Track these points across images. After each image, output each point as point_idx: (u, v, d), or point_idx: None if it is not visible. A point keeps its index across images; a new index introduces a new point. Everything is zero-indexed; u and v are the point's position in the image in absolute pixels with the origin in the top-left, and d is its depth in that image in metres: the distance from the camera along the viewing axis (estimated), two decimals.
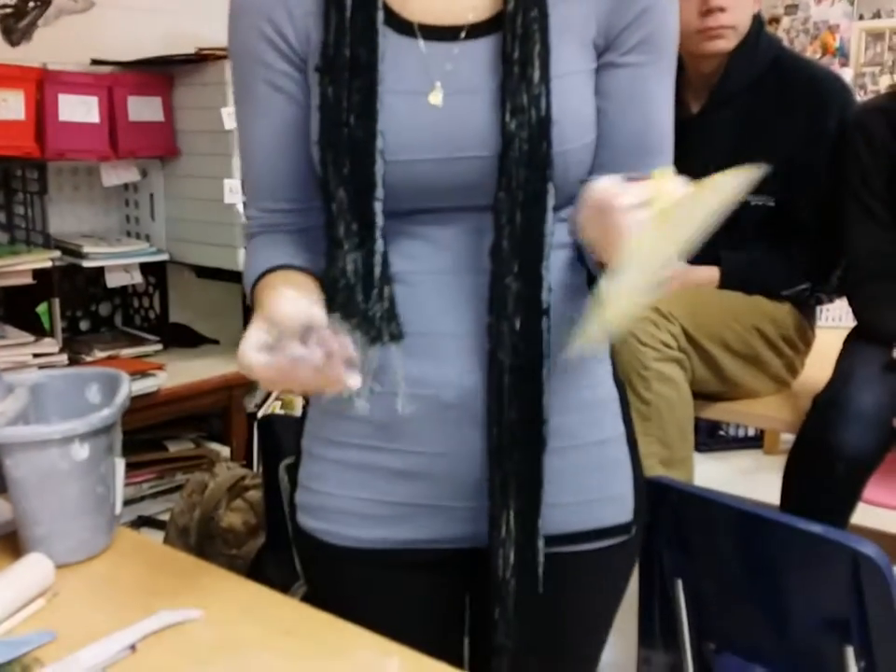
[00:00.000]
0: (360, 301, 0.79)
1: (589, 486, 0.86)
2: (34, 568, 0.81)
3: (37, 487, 0.84)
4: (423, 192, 0.79)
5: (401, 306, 0.80)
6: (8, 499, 0.87)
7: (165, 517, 1.94)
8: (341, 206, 0.79)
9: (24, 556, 0.83)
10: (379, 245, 0.79)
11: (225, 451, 2.18)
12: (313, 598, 0.89)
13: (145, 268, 2.13)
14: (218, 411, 2.18)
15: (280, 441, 1.45)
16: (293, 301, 0.70)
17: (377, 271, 0.79)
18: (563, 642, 0.88)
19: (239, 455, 2.16)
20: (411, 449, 0.82)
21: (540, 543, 0.81)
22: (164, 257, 2.13)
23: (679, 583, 1.23)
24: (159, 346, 2.16)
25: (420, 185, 0.79)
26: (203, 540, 1.64)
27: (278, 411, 2.29)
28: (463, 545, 0.85)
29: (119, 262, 2.06)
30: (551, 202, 0.78)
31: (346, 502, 0.85)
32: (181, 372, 2.06)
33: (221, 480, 1.79)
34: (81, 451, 0.84)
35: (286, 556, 1.35)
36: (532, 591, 0.81)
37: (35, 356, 1.96)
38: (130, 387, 0.93)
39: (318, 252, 0.82)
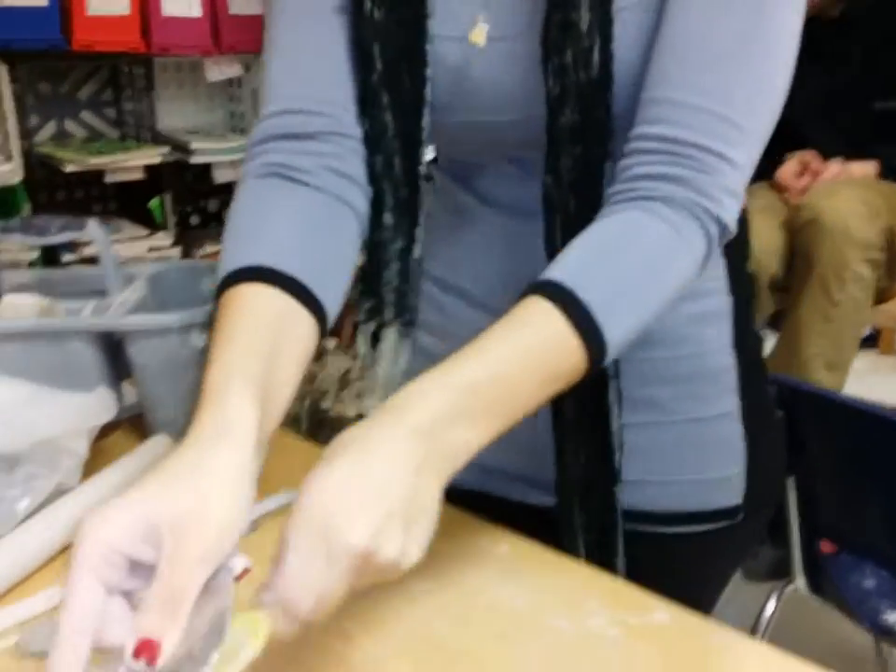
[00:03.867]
0: (384, 283, 0.75)
1: (682, 465, 0.79)
2: (158, 448, 0.85)
3: (159, 373, 0.87)
4: (465, 146, 0.75)
5: (449, 264, 0.76)
6: (133, 384, 0.91)
7: None
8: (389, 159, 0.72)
9: (150, 438, 0.87)
10: (421, 217, 0.74)
11: (331, 343, 2.23)
12: None
13: None
14: None
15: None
16: (230, 505, 0.49)
17: (416, 250, 0.75)
18: None
19: (346, 347, 2.20)
20: None
21: (618, 519, 0.76)
22: None
23: (791, 480, 1.21)
24: None
25: (462, 139, 0.74)
26: (313, 428, 1.71)
27: None
28: (539, 503, 0.82)
29: (225, 158, 2.09)
30: (608, 172, 0.68)
31: None
32: None
33: (332, 370, 1.85)
34: (200, 339, 0.86)
35: None
36: (610, 567, 0.76)
37: (150, 249, 2.03)
38: None
39: (317, 234, 0.69)
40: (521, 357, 0.59)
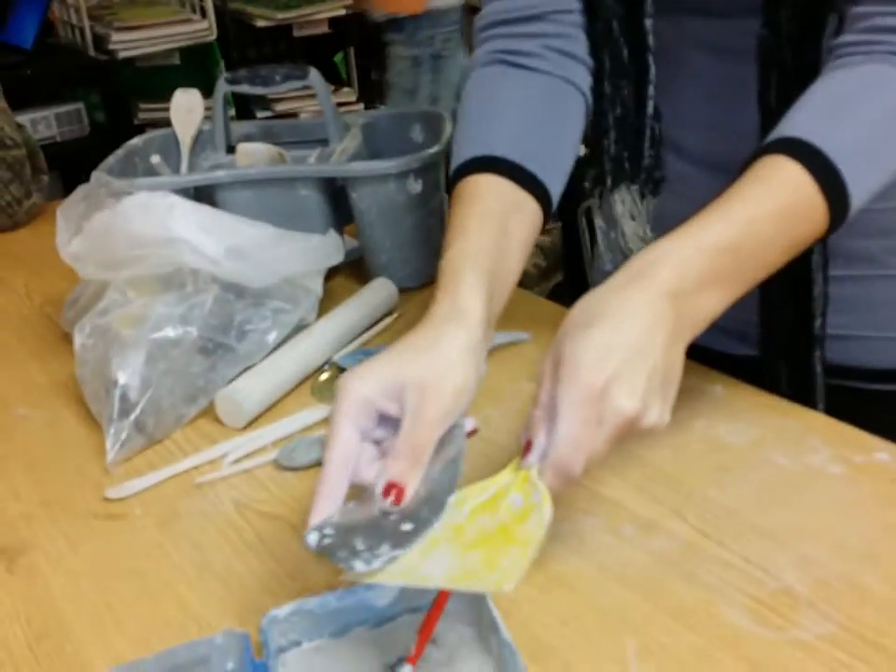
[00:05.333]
0: (624, 147, 0.74)
1: (890, 321, 0.77)
2: (381, 291, 0.91)
3: (378, 218, 0.92)
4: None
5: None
6: (354, 231, 0.97)
7: None
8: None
9: (372, 281, 0.92)
10: (651, 74, 0.73)
11: None
12: None
13: None
14: None
15: (576, 185, 1.46)
16: (457, 381, 0.54)
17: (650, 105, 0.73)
18: None
19: None
20: None
21: (818, 367, 0.76)
22: None
23: None
24: None
25: None
26: None
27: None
28: (734, 351, 0.82)
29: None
30: (831, 24, 0.65)
31: None
32: None
33: None
34: (415, 185, 0.90)
35: (580, 294, 1.40)
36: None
37: (336, 105, 2.07)
38: (452, 127, 0.96)
39: (543, 119, 0.71)
40: (767, 219, 0.58)
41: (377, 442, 0.55)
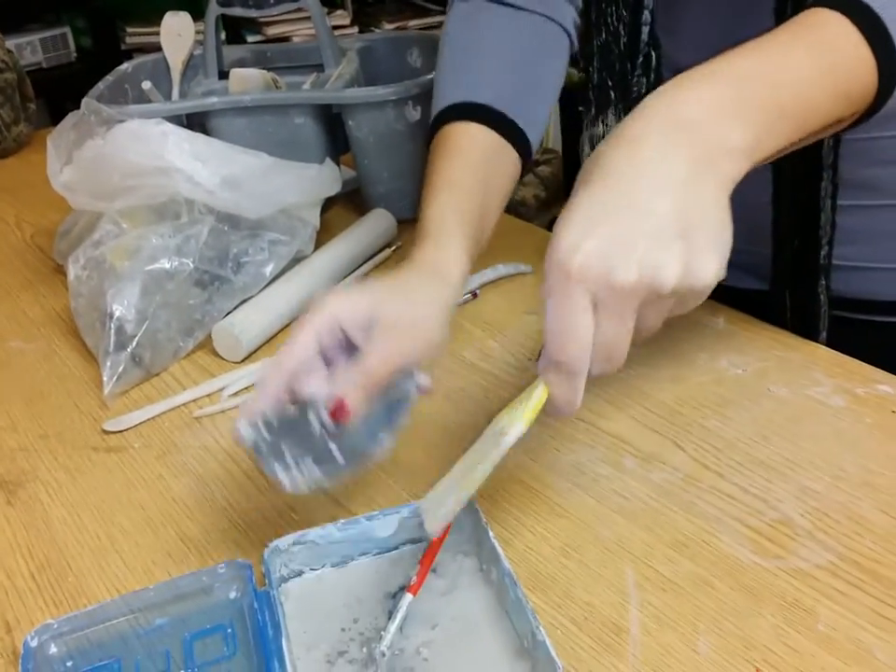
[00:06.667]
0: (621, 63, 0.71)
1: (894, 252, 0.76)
2: (379, 221, 0.90)
3: (376, 147, 0.90)
4: None
5: (668, 36, 0.71)
6: (351, 160, 0.95)
7: None
8: None
9: (370, 212, 0.91)
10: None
11: None
12: None
13: None
14: None
15: (580, 114, 1.43)
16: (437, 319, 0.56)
17: (644, 31, 0.70)
18: None
19: None
20: None
21: (822, 297, 0.74)
22: None
23: None
24: (443, 17, 2.14)
25: None
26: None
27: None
28: (738, 285, 0.80)
29: None
30: None
31: None
32: None
33: None
34: (414, 112, 0.88)
35: None
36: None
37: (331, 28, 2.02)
38: None
39: (525, 63, 0.70)
40: (802, 55, 0.50)
41: (327, 364, 0.55)
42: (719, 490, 0.58)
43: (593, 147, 0.81)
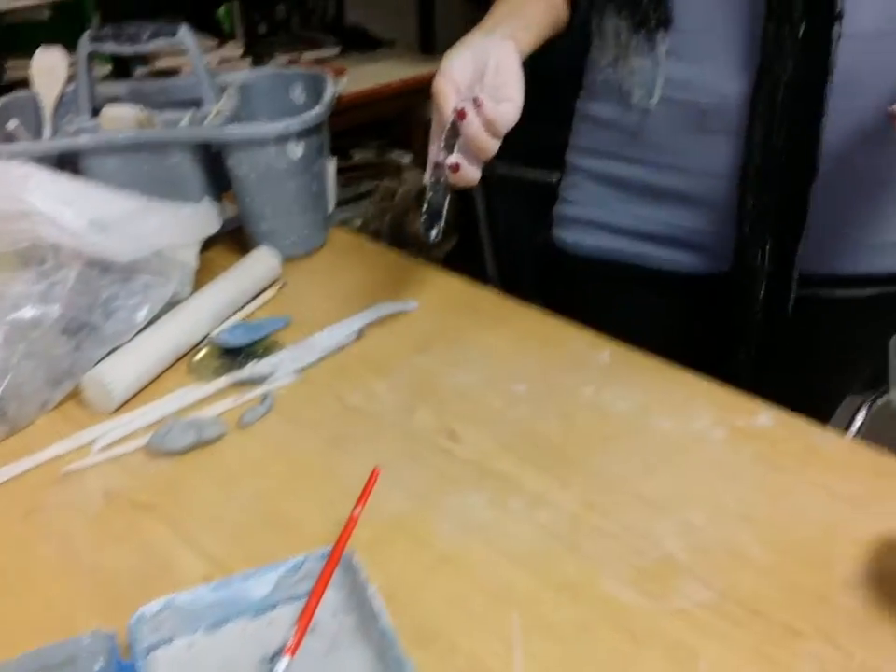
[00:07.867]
0: None
1: (863, 229, 0.78)
2: (263, 260, 0.87)
3: (258, 185, 0.87)
4: None
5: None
6: (233, 197, 0.92)
7: (355, 224, 2.02)
8: None
9: (253, 250, 0.88)
10: None
11: (407, 158, 2.20)
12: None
13: None
14: (397, 118, 2.17)
15: None
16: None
17: None
18: (803, 383, 0.84)
19: (421, 162, 2.18)
20: (663, 162, 0.78)
21: (794, 278, 0.77)
22: None
23: None
24: (336, 49, 2.14)
25: None
26: (394, 244, 1.71)
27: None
28: (701, 270, 0.83)
29: None
30: None
31: (595, 213, 0.86)
32: (361, 78, 2.04)
33: (410, 186, 1.83)
34: (297, 149, 0.86)
35: (475, 259, 1.39)
36: (780, 328, 0.78)
37: (221, 61, 1.98)
38: (335, 88, 0.92)
39: None
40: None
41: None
42: (602, 530, 0.58)
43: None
